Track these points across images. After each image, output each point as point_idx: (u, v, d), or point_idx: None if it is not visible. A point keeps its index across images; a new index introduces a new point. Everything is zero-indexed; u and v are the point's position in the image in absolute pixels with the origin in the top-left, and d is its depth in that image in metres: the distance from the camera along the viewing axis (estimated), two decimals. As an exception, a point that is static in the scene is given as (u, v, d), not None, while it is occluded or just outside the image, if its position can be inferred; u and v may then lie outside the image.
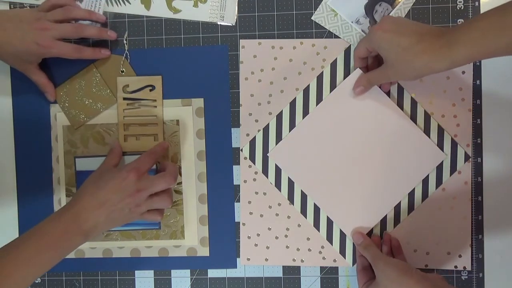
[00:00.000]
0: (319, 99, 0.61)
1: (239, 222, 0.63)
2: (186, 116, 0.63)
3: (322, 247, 0.61)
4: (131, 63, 0.63)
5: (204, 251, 0.63)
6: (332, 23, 0.61)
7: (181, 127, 0.63)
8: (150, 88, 0.63)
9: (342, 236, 0.61)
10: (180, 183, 0.63)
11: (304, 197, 0.62)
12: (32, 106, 0.64)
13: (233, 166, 0.63)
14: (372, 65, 0.59)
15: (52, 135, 0.64)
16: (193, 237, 0.63)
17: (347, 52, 0.61)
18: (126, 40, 0.63)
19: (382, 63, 0.55)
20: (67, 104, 0.63)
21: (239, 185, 0.63)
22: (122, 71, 0.63)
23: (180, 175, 0.63)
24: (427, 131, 0.60)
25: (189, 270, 0.64)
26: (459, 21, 0.60)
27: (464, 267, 0.60)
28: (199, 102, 0.63)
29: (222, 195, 0.63)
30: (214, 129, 0.63)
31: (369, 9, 0.61)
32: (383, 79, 0.56)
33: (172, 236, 0.63)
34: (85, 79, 0.63)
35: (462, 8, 0.60)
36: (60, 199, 0.64)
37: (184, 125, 0.63)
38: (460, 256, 0.60)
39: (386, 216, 0.61)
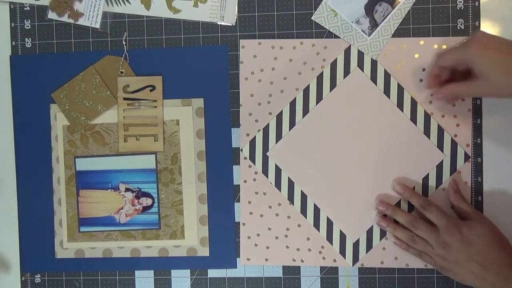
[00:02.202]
0: (319, 99, 0.62)
1: (239, 222, 0.64)
2: (186, 116, 0.64)
3: (322, 247, 0.62)
4: (131, 63, 0.64)
5: (204, 251, 0.64)
6: (332, 23, 0.62)
7: (181, 127, 0.64)
8: (151, 88, 0.64)
9: (342, 236, 0.62)
10: (180, 183, 0.64)
11: (304, 197, 0.63)
12: (32, 106, 0.65)
13: (233, 166, 0.64)
14: (451, 77, 0.58)
15: (52, 135, 0.65)
16: (193, 237, 0.64)
17: (347, 52, 0.62)
18: (125, 41, 0.64)
19: (462, 77, 0.56)
20: (67, 107, 0.64)
21: (239, 185, 0.64)
22: (122, 72, 0.64)
23: (180, 175, 0.64)
24: (427, 131, 0.61)
25: (189, 270, 0.65)
26: (459, 21, 0.61)
27: (465, 267, 0.62)
28: (199, 102, 0.64)
29: (222, 195, 0.64)
30: (214, 129, 0.64)
31: (369, 9, 0.62)
32: (471, 93, 0.57)
33: (172, 236, 0.64)
34: (84, 81, 0.64)
35: (462, 8, 0.61)
36: (60, 199, 0.65)
37: (184, 125, 0.64)
38: (460, 256, 0.62)
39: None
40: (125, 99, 0.64)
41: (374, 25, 0.61)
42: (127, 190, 0.65)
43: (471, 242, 0.54)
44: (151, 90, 0.64)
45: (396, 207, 0.61)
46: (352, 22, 0.61)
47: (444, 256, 0.55)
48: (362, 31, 0.61)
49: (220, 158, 0.64)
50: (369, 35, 0.61)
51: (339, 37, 0.62)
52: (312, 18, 0.63)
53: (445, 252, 0.55)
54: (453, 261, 0.55)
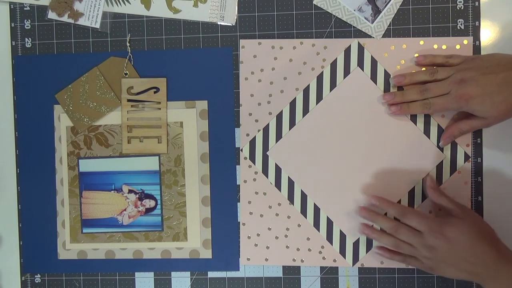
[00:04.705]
0: (319, 99, 0.69)
1: (239, 222, 0.71)
2: (190, 118, 0.70)
3: (322, 247, 0.69)
4: (134, 65, 0.71)
5: (207, 254, 0.71)
6: (334, 6, 0.68)
7: (184, 129, 0.71)
8: (155, 90, 0.70)
9: (342, 236, 0.69)
10: (184, 185, 0.71)
11: (304, 197, 0.70)
12: (36, 107, 0.72)
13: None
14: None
15: (56, 136, 0.72)
16: (196, 239, 0.71)
17: (347, 52, 0.69)
18: (129, 42, 0.71)
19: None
20: (71, 108, 0.71)
21: (239, 185, 0.71)
22: (126, 74, 0.71)
23: (184, 177, 0.71)
24: (427, 131, 0.68)
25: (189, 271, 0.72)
26: (459, 21, 0.68)
27: (466, 268, 0.69)
28: (203, 104, 0.71)
29: (225, 197, 0.71)
30: (218, 131, 0.71)
31: (371, -4, 0.68)
32: (476, 128, 0.65)
33: (174, 238, 0.71)
34: (88, 82, 0.71)
35: (462, 8, 0.68)
36: (63, 200, 0.72)
37: (188, 127, 0.71)
38: (461, 256, 0.69)
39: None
40: (129, 100, 0.71)
41: (376, 12, 0.67)
42: (130, 191, 0.71)
43: (456, 241, 0.60)
44: (155, 92, 0.70)
45: (378, 213, 0.67)
46: (354, 10, 0.68)
47: (431, 257, 0.62)
48: (365, 18, 0.68)
49: (223, 160, 0.71)
50: (372, 22, 0.68)
51: (342, 19, 0.68)
52: (314, 2, 0.69)
53: (432, 254, 0.61)
54: (440, 260, 0.61)
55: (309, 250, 0.70)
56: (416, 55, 0.68)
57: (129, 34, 0.72)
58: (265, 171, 0.71)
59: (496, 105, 0.60)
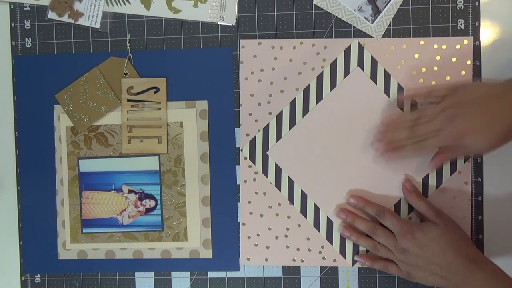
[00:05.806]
0: (319, 99, 0.70)
1: (239, 222, 0.72)
2: (190, 118, 0.72)
3: (322, 247, 0.71)
4: (134, 65, 0.72)
5: (207, 254, 0.72)
6: (334, 6, 0.69)
7: (184, 129, 0.72)
8: (155, 90, 0.72)
9: (342, 236, 0.71)
10: (184, 185, 0.72)
11: (304, 197, 0.71)
12: (36, 107, 0.74)
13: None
14: None
15: (56, 136, 0.73)
16: (196, 239, 0.72)
17: (347, 52, 0.70)
18: (129, 42, 0.73)
19: None
20: (71, 108, 0.73)
21: (239, 185, 0.72)
22: (126, 74, 0.72)
23: (184, 177, 0.72)
24: None
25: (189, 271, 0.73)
26: (459, 21, 0.69)
27: (466, 268, 0.71)
28: (203, 104, 0.72)
29: (225, 197, 0.72)
30: (218, 131, 0.72)
31: (371, -4, 0.69)
32: (462, 155, 0.67)
33: (174, 238, 0.73)
34: (88, 82, 0.72)
35: (462, 8, 0.69)
36: (63, 200, 0.74)
37: (188, 127, 0.72)
38: (462, 256, 0.70)
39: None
40: (129, 100, 0.72)
41: (376, 12, 0.69)
42: (130, 191, 0.73)
43: (426, 246, 0.62)
44: (155, 92, 0.72)
45: (356, 214, 0.69)
46: (354, 10, 0.69)
47: (405, 261, 0.63)
48: (365, 18, 0.69)
49: (223, 160, 0.72)
50: (372, 22, 0.69)
51: (342, 19, 0.69)
52: (314, 2, 0.70)
53: (405, 257, 0.63)
54: (414, 265, 0.63)
55: (309, 250, 0.72)
56: (417, 55, 0.69)
57: (129, 34, 0.73)
58: (265, 171, 0.72)
59: (488, 139, 0.60)
